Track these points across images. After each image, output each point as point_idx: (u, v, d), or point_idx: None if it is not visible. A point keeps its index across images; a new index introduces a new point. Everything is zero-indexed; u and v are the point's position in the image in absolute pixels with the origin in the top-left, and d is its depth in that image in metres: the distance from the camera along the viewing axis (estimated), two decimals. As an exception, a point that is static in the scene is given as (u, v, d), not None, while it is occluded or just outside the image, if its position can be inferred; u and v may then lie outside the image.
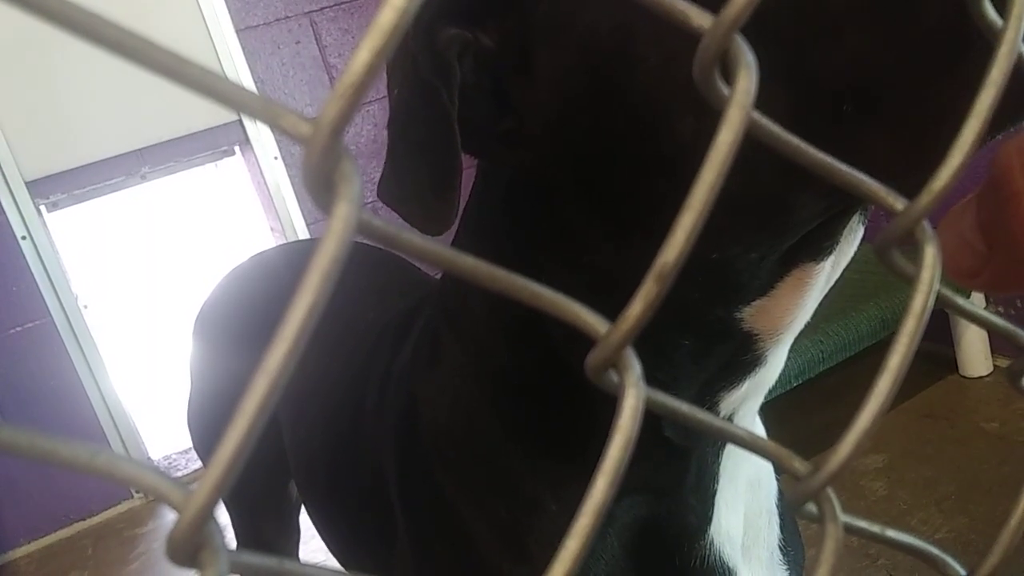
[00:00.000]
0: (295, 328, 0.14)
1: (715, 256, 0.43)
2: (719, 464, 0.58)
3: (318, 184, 0.14)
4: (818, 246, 0.45)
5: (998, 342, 2.08)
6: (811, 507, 0.21)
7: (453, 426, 0.61)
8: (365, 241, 0.16)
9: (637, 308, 0.17)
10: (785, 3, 0.35)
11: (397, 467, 0.67)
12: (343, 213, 0.14)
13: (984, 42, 0.24)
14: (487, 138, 0.48)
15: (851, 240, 0.46)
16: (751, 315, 0.47)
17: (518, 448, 0.57)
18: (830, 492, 0.20)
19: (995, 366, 2.09)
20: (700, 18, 0.17)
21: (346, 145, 0.14)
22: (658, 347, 0.49)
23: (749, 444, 0.21)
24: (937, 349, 2.12)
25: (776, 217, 0.42)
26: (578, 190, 0.47)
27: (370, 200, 2.09)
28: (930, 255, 0.20)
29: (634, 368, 0.17)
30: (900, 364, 0.18)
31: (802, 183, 0.39)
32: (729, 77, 0.18)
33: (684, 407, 0.19)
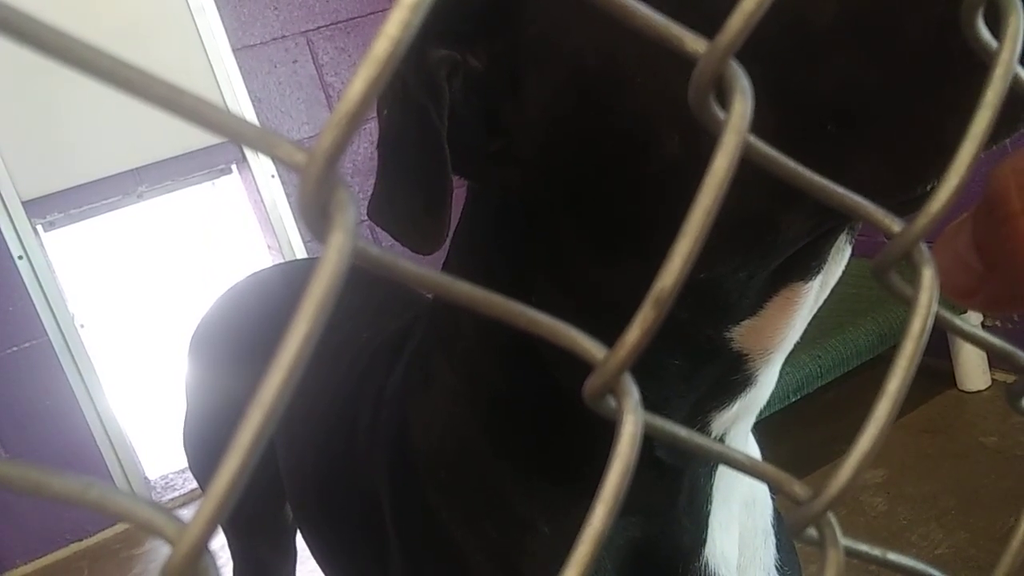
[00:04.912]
0: (290, 358, 0.14)
1: (703, 276, 0.43)
2: (712, 484, 0.58)
3: (313, 213, 0.14)
4: (806, 265, 0.45)
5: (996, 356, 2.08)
6: (811, 531, 0.20)
7: (445, 448, 0.60)
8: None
9: (635, 334, 0.17)
10: (769, 21, 0.35)
11: (390, 489, 0.67)
12: (338, 242, 0.14)
13: (967, 61, 0.24)
14: (477, 159, 0.48)
15: (838, 259, 0.47)
16: (740, 335, 0.47)
17: (510, 470, 0.57)
18: (831, 517, 0.20)
19: (993, 380, 2.09)
20: (695, 43, 0.17)
21: (342, 174, 0.14)
22: (648, 367, 0.48)
23: (749, 468, 0.20)
24: (935, 363, 2.12)
25: (764, 236, 0.42)
26: (567, 210, 0.47)
27: (366, 219, 2.09)
28: (928, 277, 0.20)
29: (632, 394, 0.17)
30: (899, 388, 0.18)
31: (789, 202, 0.39)
32: (724, 101, 0.18)
33: (683, 432, 0.19)
